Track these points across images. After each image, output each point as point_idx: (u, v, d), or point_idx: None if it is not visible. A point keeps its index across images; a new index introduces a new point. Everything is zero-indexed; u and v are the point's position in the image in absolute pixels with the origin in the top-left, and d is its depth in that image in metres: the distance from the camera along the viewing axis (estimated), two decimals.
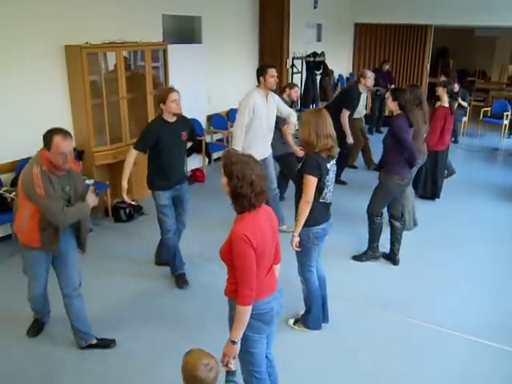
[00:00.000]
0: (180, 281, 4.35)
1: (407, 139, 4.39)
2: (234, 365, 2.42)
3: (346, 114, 6.59)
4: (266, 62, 8.80)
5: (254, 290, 2.31)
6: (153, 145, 4.02)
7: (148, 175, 4.19)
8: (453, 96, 6.26)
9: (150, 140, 4.00)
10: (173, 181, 4.19)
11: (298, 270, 3.59)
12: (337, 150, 3.42)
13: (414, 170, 5.28)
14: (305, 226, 3.38)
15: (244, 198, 2.30)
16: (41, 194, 2.91)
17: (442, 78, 7.58)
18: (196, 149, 7.15)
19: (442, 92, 5.94)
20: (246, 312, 2.32)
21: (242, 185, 2.27)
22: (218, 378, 2.01)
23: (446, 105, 5.92)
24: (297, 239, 3.39)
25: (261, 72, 4.95)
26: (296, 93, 6.12)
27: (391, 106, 4.50)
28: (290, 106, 5.68)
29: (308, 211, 3.32)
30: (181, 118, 4.12)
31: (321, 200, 3.38)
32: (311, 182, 3.27)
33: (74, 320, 3.40)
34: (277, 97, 5.19)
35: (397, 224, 4.75)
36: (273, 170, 5.27)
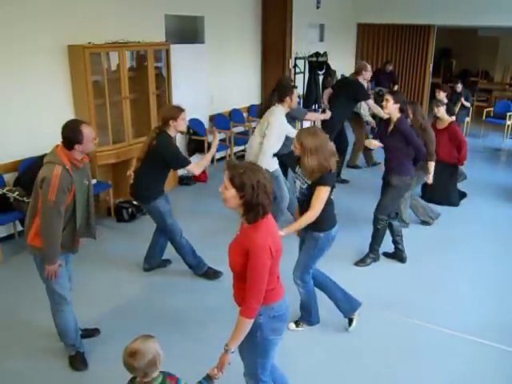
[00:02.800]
0: (212, 273, 4.46)
1: (418, 141, 4.48)
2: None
3: (371, 102, 6.57)
4: (269, 61, 8.84)
5: (261, 302, 2.26)
6: None
7: (145, 187, 4.16)
8: (451, 109, 6.30)
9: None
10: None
11: (297, 274, 3.55)
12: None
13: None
14: (323, 230, 3.38)
15: (260, 206, 2.18)
16: (50, 199, 2.76)
17: (441, 96, 6.85)
18: (198, 148, 7.17)
19: (443, 112, 5.97)
20: (249, 324, 2.27)
21: (258, 193, 2.15)
22: (146, 366, 2.03)
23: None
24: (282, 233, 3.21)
25: (287, 91, 4.92)
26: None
27: (392, 108, 4.35)
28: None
29: (308, 223, 3.28)
30: None
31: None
32: (325, 193, 3.23)
33: None
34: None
35: (395, 222, 4.80)
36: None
